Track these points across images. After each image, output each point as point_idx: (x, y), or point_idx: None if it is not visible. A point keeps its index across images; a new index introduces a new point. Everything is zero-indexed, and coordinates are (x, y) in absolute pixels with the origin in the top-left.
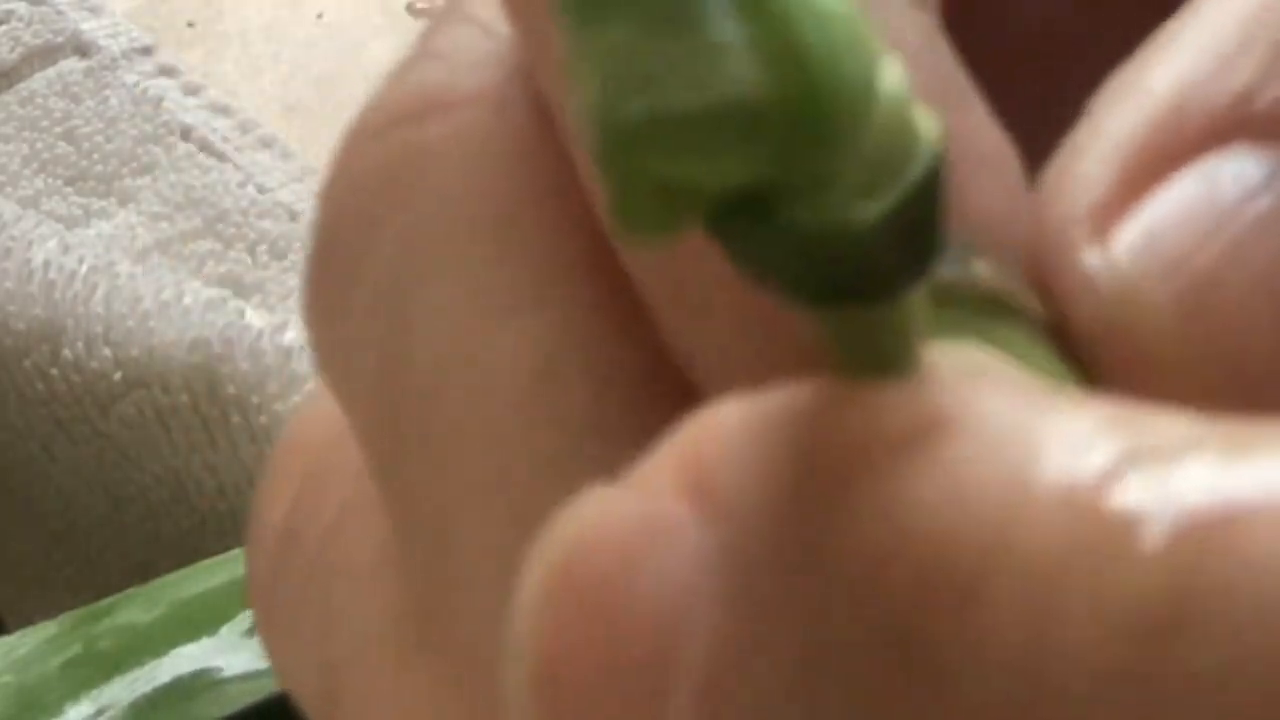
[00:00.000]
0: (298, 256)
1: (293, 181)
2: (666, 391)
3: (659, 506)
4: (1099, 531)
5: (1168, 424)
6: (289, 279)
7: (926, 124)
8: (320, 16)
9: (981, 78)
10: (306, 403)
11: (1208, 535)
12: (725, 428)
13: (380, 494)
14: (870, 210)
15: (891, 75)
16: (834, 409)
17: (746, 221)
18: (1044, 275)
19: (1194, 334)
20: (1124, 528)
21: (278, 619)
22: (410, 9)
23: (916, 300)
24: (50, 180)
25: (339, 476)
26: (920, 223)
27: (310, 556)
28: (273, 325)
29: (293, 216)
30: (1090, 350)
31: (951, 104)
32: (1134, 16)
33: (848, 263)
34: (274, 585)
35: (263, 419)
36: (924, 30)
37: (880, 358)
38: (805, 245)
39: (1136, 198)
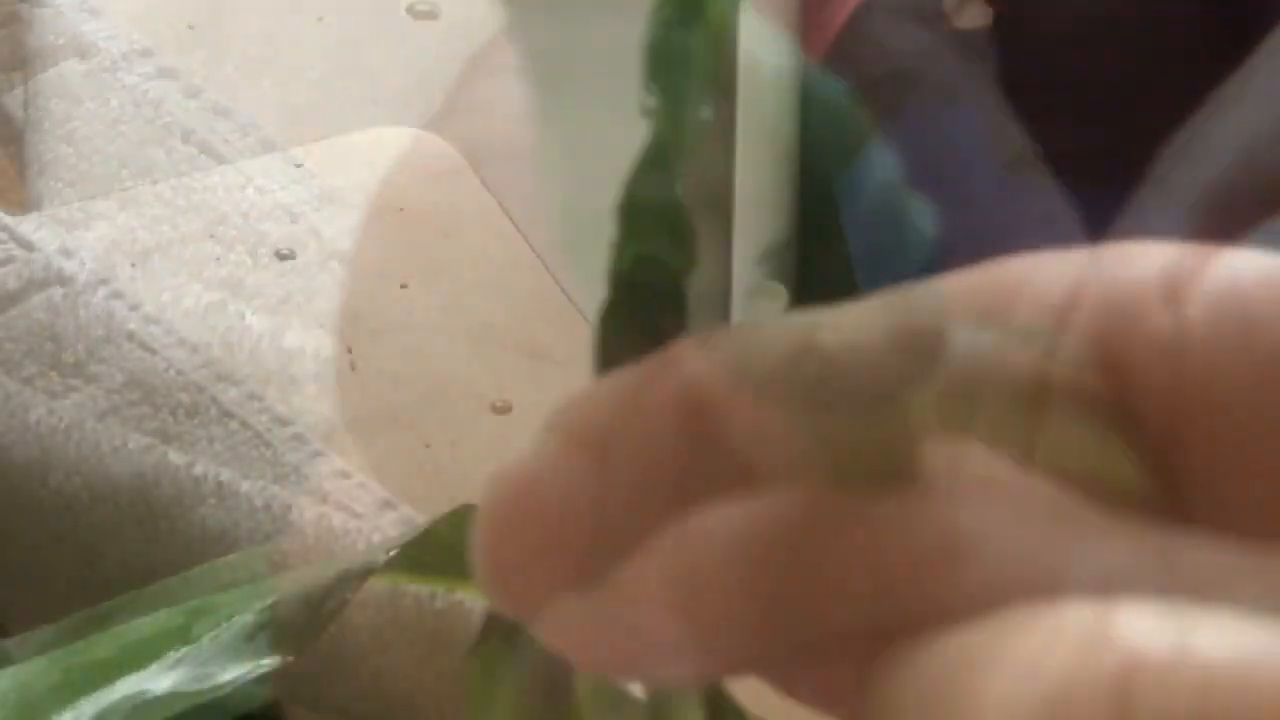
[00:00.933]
0: (299, 259)
1: (293, 184)
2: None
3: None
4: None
5: (1195, 557)
6: (289, 282)
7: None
8: (320, 19)
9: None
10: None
11: (1218, 700)
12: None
13: None
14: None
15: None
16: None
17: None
18: (1115, 342)
19: (1270, 405)
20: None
21: None
22: (411, 10)
23: (917, 406)
24: (40, 366)
25: None
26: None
27: None
28: (273, 328)
29: (293, 219)
30: (1161, 420)
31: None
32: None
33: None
34: None
35: (180, 525)
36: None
37: (877, 467)
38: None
39: (1210, 260)
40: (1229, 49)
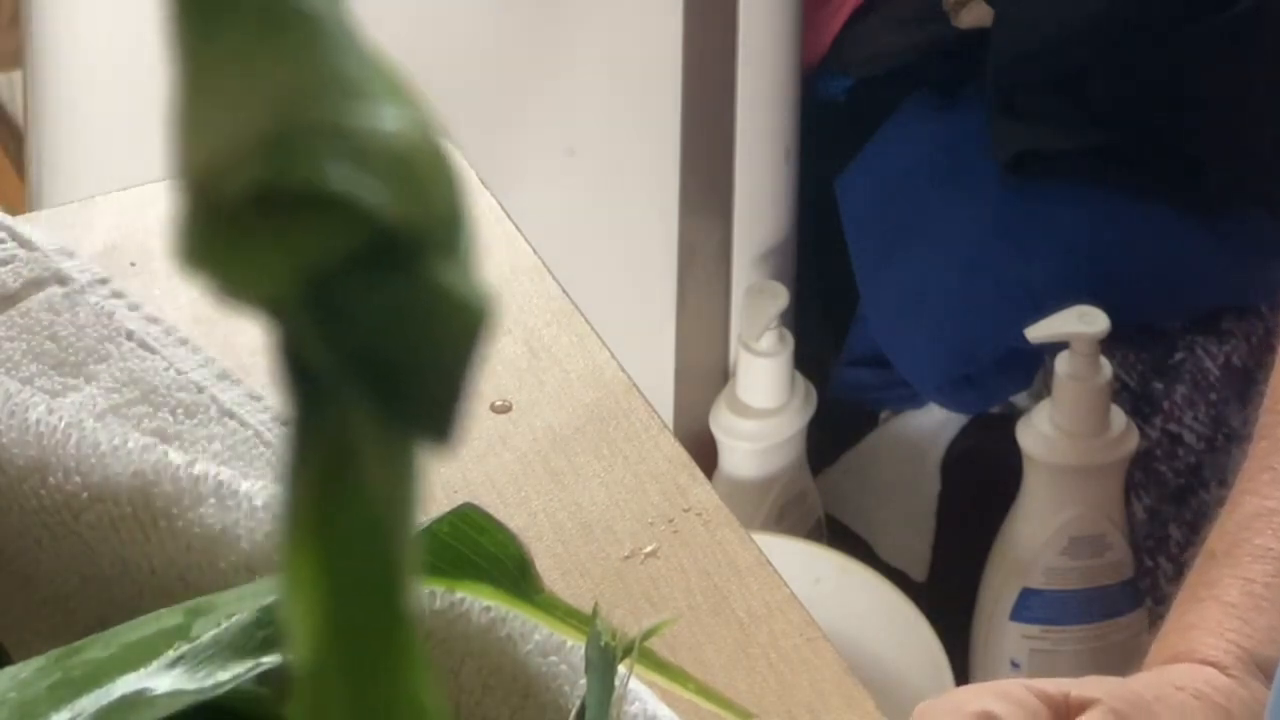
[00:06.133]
0: (204, 416)
1: (200, 367)
2: None
3: None
4: None
5: None
6: (198, 431)
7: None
8: None
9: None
10: None
11: None
12: None
13: None
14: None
15: None
16: None
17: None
18: None
19: None
20: None
21: None
22: None
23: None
24: (41, 366)
25: None
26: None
27: None
28: (186, 461)
29: (200, 390)
30: None
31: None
32: None
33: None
34: None
35: (180, 523)
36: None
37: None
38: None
39: None
40: (1226, 48)
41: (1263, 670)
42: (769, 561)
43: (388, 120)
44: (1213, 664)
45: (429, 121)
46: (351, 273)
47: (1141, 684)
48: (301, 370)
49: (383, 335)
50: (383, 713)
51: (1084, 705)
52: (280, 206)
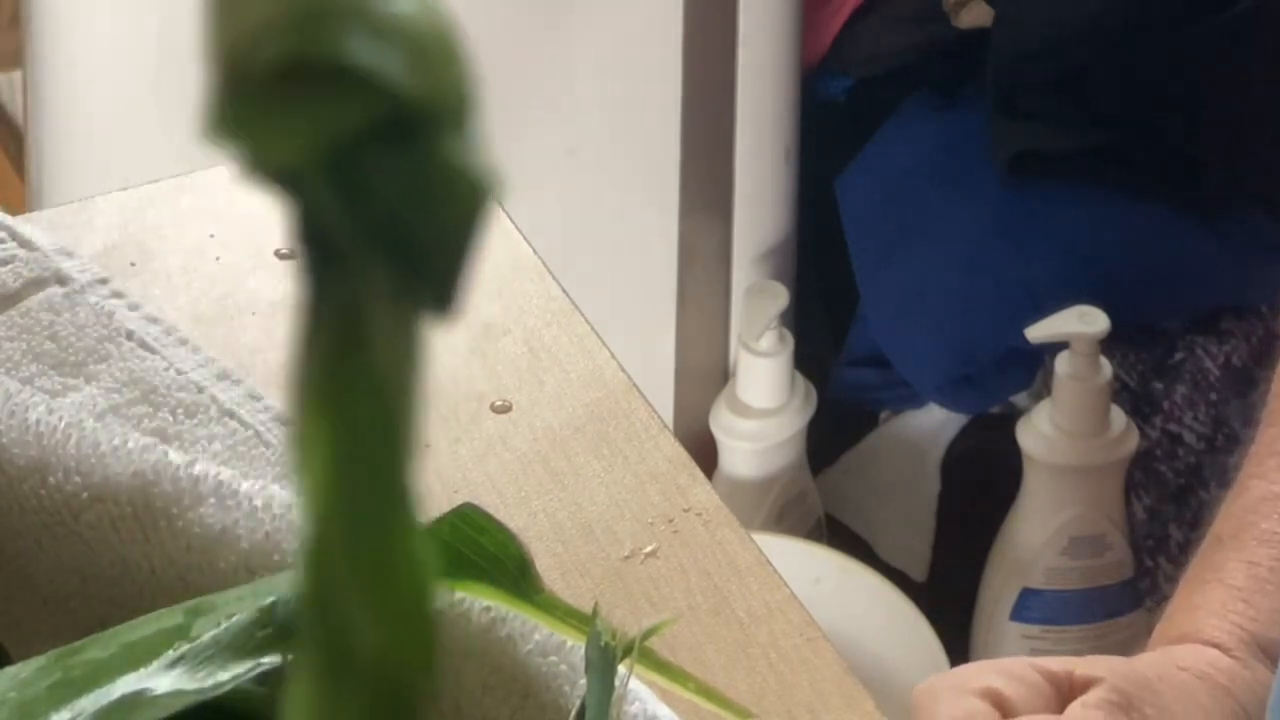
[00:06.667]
0: (204, 416)
1: (199, 367)
2: None
3: None
4: None
5: None
6: (198, 431)
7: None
8: (218, 259)
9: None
10: None
11: None
12: None
13: None
14: None
15: None
16: None
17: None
18: None
19: None
20: None
21: None
22: (278, 253)
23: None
24: (41, 366)
25: None
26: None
27: None
28: (186, 461)
29: (200, 390)
30: None
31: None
32: None
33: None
34: None
35: (180, 523)
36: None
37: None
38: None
39: None
40: (1226, 49)
41: (1266, 652)
42: (769, 561)
43: (405, 4)
44: (1216, 645)
45: (441, 8)
46: (369, 145)
47: (1145, 663)
48: (318, 240)
49: (396, 205)
50: (381, 564)
51: (1088, 683)
52: (306, 79)
